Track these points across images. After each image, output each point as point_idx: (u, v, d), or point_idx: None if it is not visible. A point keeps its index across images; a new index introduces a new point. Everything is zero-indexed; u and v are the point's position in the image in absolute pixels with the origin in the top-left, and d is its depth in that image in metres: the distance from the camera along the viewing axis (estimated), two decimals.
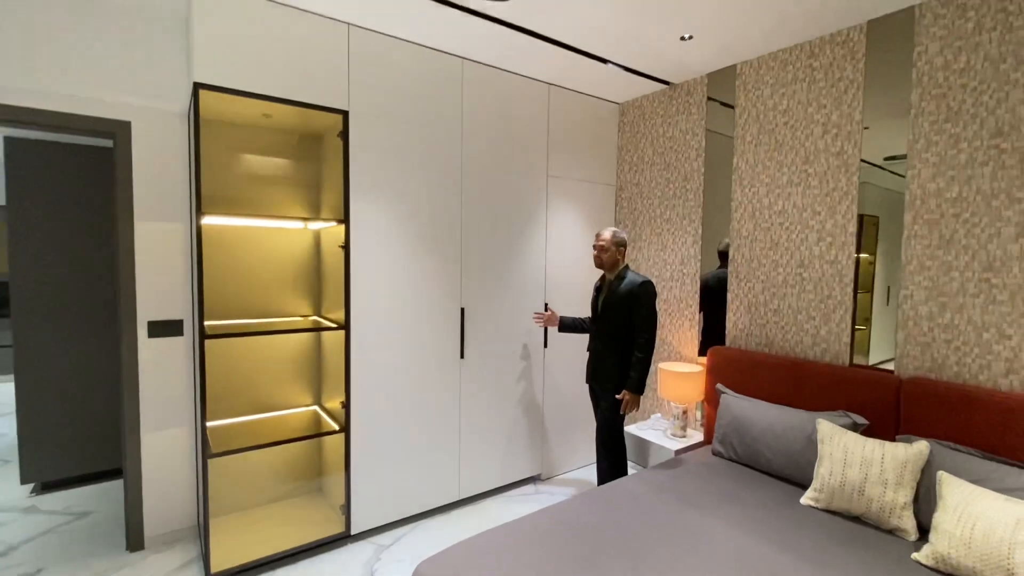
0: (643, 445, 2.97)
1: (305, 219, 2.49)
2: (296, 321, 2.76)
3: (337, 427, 2.55)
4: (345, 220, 2.47)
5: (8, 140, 2.88)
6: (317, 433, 2.51)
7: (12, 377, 4.56)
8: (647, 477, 2.34)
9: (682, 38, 2.54)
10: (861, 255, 2.39)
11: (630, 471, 2.97)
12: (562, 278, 3.35)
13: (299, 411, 2.89)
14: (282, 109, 2.37)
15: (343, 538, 2.58)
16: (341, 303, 2.54)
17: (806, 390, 2.44)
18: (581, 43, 2.63)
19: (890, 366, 2.31)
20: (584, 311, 3.42)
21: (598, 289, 2.84)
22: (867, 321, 2.40)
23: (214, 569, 2.22)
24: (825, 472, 2.07)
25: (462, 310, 2.89)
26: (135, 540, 2.47)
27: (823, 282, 2.51)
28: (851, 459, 2.01)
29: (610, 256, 2.69)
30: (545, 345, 3.29)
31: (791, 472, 2.27)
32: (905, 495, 1.89)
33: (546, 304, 3.26)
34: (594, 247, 2.75)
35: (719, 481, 2.30)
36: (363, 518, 2.60)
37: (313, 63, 2.35)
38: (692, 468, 2.44)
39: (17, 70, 2.16)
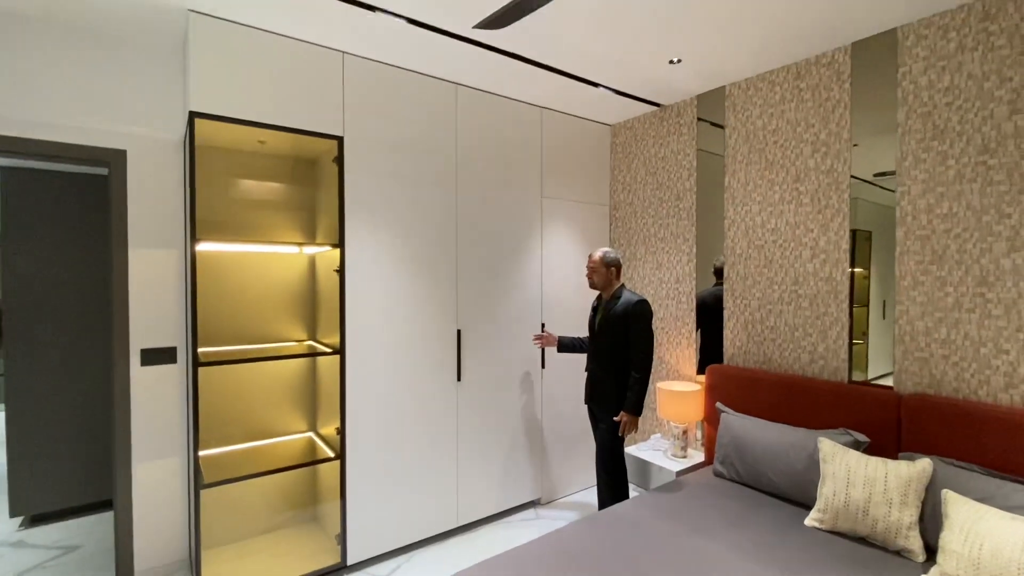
0: (644, 467, 2.93)
1: (300, 244, 2.49)
2: (291, 346, 2.74)
3: (332, 454, 2.51)
4: (340, 244, 2.47)
5: (4, 170, 2.89)
6: (312, 461, 2.47)
7: (2, 407, 4.50)
8: (648, 501, 2.30)
9: (670, 62, 2.59)
10: (856, 269, 2.40)
11: (631, 493, 2.92)
12: (559, 298, 3.35)
13: (294, 438, 2.85)
14: (277, 135, 2.39)
15: (339, 569, 2.51)
16: (336, 328, 2.52)
17: (806, 408, 2.42)
18: (572, 68, 2.68)
19: (889, 380, 2.30)
20: (581, 331, 3.40)
21: (595, 309, 2.83)
22: (864, 335, 2.40)
23: None
24: (828, 492, 2.04)
25: (458, 332, 2.88)
26: (125, 574, 2.41)
27: (818, 299, 2.51)
28: (854, 478, 1.98)
29: (601, 277, 2.69)
30: (543, 366, 3.27)
31: (794, 492, 2.24)
32: (910, 514, 1.86)
33: (543, 325, 3.25)
34: (587, 268, 2.76)
35: (722, 503, 2.26)
36: (360, 548, 2.54)
37: (308, 90, 2.38)
38: (694, 490, 2.40)
39: (14, 101, 2.18)
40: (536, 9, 1.57)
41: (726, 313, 2.92)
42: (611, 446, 2.67)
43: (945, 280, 2.11)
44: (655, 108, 3.30)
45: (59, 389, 3.03)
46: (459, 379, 2.88)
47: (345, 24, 2.22)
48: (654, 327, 3.30)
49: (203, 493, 2.59)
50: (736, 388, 2.71)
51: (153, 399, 2.46)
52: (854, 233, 2.40)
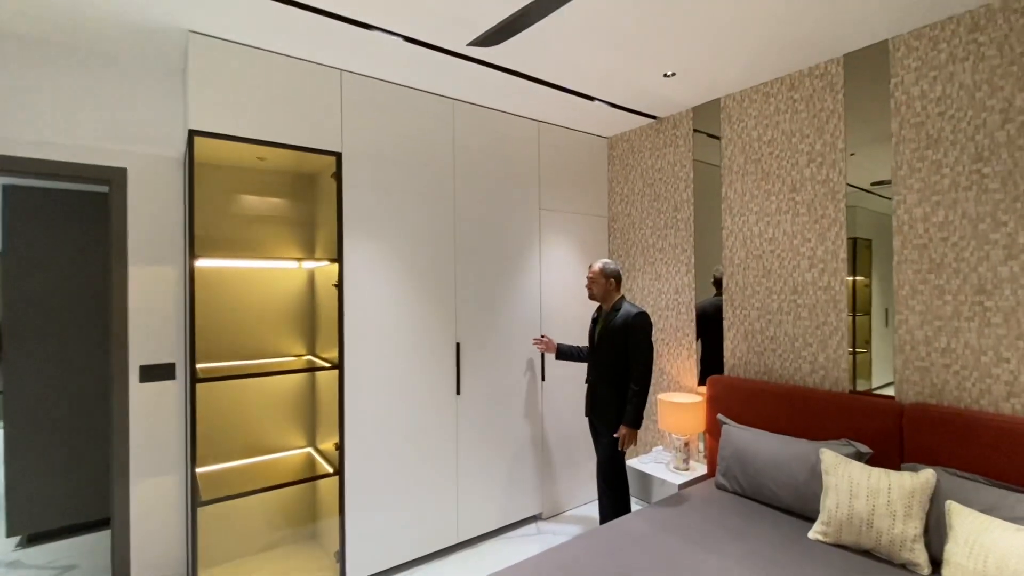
0: (646, 479, 2.90)
1: (299, 259, 2.50)
2: (290, 361, 2.74)
3: (331, 469, 2.50)
4: (339, 259, 2.48)
5: (6, 188, 2.92)
6: (310, 477, 2.45)
7: (1, 424, 4.53)
8: (650, 515, 2.27)
9: (665, 75, 2.62)
10: (857, 278, 2.39)
11: (633, 507, 2.89)
12: (558, 310, 3.35)
13: (293, 454, 2.83)
14: (276, 152, 2.42)
15: None
16: (335, 342, 2.52)
17: (807, 418, 2.40)
18: (567, 82, 2.71)
19: (892, 390, 2.28)
20: (581, 343, 3.40)
21: (595, 321, 2.82)
22: (867, 344, 2.38)
23: None
24: (832, 504, 2.01)
25: (457, 345, 2.87)
26: None
27: (817, 308, 2.51)
28: (857, 490, 1.96)
29: (600, 288, 2.70)
30: (543, 379, 3.25)
31: (797, 505, 2.21)
32: (915, 527, 1.83)
33: (542, 336, 3.24)
34: (586, 279, 2.76)
35: (724, 517, 2.23)
36: (359, 565, 2.51)
37: (306, 108, 2.41)
38: (696, 504, 2.37)
39: (16, 120, 2.20)
40: (528, 27, 1.59)
41: (726, 323, 2.91)
42: (612, 459, 2.65)
43: (943, 289, 2.10)
44: (652, 120, 3.32)
45: (58, 406, 3.03)
46: (458, 392, 2.87)
47: (343, 42, 2.26)
48: (653, 339, 3.29)
49: (202, 510, 2.57)
50: (737, 399, 2.69)
51: (152, 415, 2.45)
52: (855, 241, 2.40)
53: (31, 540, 3.03)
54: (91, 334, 3.12)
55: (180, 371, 2.52)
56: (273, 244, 2.81)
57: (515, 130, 3.16)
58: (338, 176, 2.49)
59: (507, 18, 1.55)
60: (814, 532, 2.05)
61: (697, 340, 3.08)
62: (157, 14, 2.03)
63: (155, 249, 2.48)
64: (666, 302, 3.26)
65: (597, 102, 2.97)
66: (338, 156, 2.49)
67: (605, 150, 3.67)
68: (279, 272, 2.84)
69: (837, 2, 1.99)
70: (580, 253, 3.49)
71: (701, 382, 3.06)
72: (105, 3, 1.96)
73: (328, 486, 2.66)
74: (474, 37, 1.95)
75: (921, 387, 2.17)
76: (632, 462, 3.04)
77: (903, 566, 1.83)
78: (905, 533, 1.83)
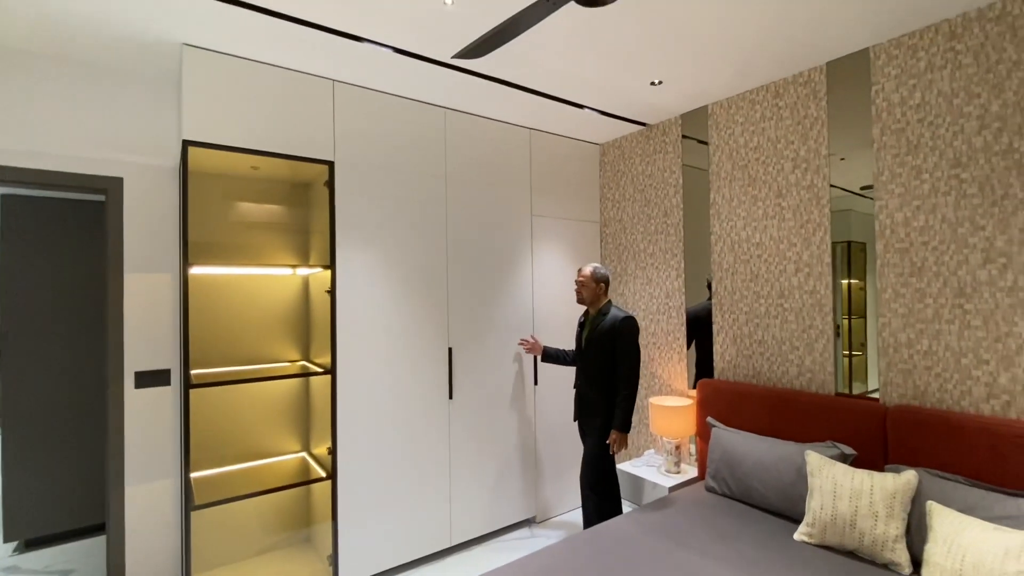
0: (637, 483, 2.93)
1: (294, 266, 2.54)
2: (284, 367, 2.77)
3: (324, 474, 2.53)
4: (331, 266, 2.52)
5: (4, 197, 2.97)
6: (302, 481, 2.48)
7: None
8: (639, 517, 2.30)
9: (652, 83, 2.66)
10: (852, 281, 2.41)
11: (625, 509, 2.91)
12: (550, 315, 3.38)
13: (287, 458, 2.86)
14: (270, 161, 2.46)
15: None
16: (328, 348, 2.56)
17: (794, 421, 2.43)
18: (557, 91, 2.76)
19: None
20: (571, 346, 3.43)
21: (581, 325, 2.84)
22: (863, 346, 2.39)
23: None
24: (816, 506, 2.04)
25: (449, 350, 2.91)
26: None
27: (804, 312, 2.54)
28: (840, 491, 1.99)
29: (590, 292, 2.72)
30: (536, 383, 3.28)
31: (784, 506, 2.24)
32: (896, 527, 1.86)
33: (531, 336, 3.28)
34: (575, 283, 2.78)
35: (711, 519, 2.26)
36: (351, 569, 2.54)
37: (299, 117, 2.45)
38: (685, 506, 2.40)
39: (14, 132, 2.25)
40: (512, 39, 1.64)
41: (715, 327, 2.94)
42: (596, 464, 2.66)
43: (924, 292, 2.14)
44: (641, 127, 3.37)
45: (55, 413, 3.06)
46: (451, 397, 2.91)
47: (334, 54, 2.30)
48: (644, 343, 3.32)
49: (197, 515, 2.60)
50: (726, 402, 2.72)
51: (147, 421, 2.49)
52: (848, 245, 2.41)
53: (28, 545, 3.06)
54: (87, 341, 3.15)
55: (175, 377, 2.55)
56: (268, 251, 2.85)
57: (506, 137, 3.20)
58: (330, 184, 2.53)
59: (491, 31, 1.59)
60: (799, 533, 2.07)
61: (691, 344, 3.10)
62: (152, 28, 2.08)
63: (150, 257, 2.52)
64: (657, 306, 3.29)
65: (587, 110, 3.01)
66: (330, 165, 2.53)
67: (597, 156, 3.72)
68: (274, 279, 2.88)
69: (819, 11, 2.03)
70: (572, 258, 3.53)
71: (695, 386, 3.08)
72: (100, 18, 2.01)
73: (321, 491, 2.69)
74: (458, 49, 1.99)
75: (904, 389, 2.20)
76: (624, 465, 3.07)
77: (885, 566, 1.86)
78: (887, 533, 1.86)
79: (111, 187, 2.44)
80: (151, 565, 2.49)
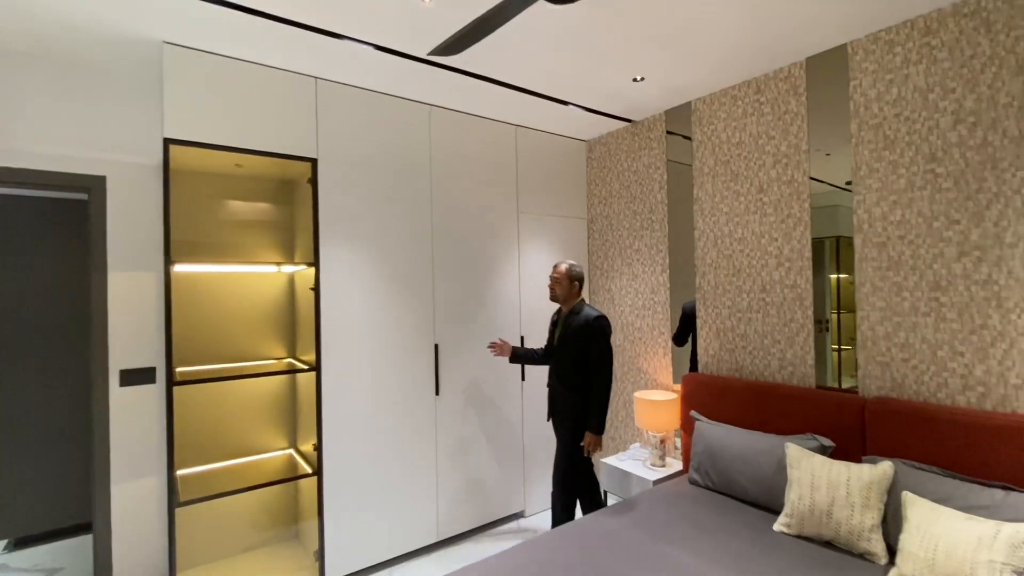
0: (622, 476, 2.95)
1: (279, 263, 2.55)
2: (270, 364, 2.78)
3: (310, 470, 2.54)
4: (315, 263, 2.53)
5: None
6: (286, 478, 2.49)
7: None
8: (622, 510, 2.32)
9: (634, 79, 2.67)
10: (841, 275, 2.41)
11: (610, 503, 2.93)
12: (537, 311, 3.39)
13: (275, 455, 2.87)
14: (253, 159, 2.46)
15: None
16: (314, 345, 2.57)
17: (776, 414, 2.45)
18: (541, 87, 2.76)
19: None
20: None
21: (554, 323, 2.79)
22: (852, 341, 2.39)
23: None
24: (795, 497, 2.06)
25: (436, 347, 2.92)
26: None
27: (785, 306, 2.56)
28: (818, 483, 2.01)
29: (564, 289, 2.66)
30: (523, 378, 3.30)
31: (764, 498, 2.26)
32: (872, 517, 1.88)
33: (522, 338, 3.29)
34: (550, 278, 2.72)
35: (694, 511, 2.28)
36: (338, 564, 2.56)
37: (281, 115, 2.46)
38: (668, 498, 2.42)
39: None
40: (487, 35, 1.64)
41: (699, 321, 2.96)
42: (572, 466, 2.61)
43: (901, 285, 2.16)
44: (627, 124, 3.38)
45: (43, 412, 3.06)
46: (437, 393, 2.92)
47: (315, 51, 2.31)
48: (631, 337, 3.35)
49: (185, 512, 2.61)
50: (710, 396, 2.74)
51: (133, 419, 2.49)
52: (837, 240, 2.41)
53: (18, 544, 3.06)
54: (73, 340, 3.15)
55: (160, 375, 2.56)
56: (253, 249, 2.86)
57: (492, 134, 3.21)
58: (314, 182, 2.54)
59: (464, 27, 1.60)
60: (778, 524, 2.10)
61: (688, 339, 3.07)
62: (132, 26, 2.08)
63: (134, 255, 2.52)
64: (643, 301, 3.31)
65: (571, 106, 3.02)
66: (313, 162, 2.53)
67: (583, 153, 3.73)
68: (260, 277, 2.89)
69: (798, 6, 2.04)
70: (560, 255, 3.54)
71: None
72: (80, 16, 2.00)
73: (309, 487, 2.70)
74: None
75: (882, 381, 2.22)
76: (609, 459, 3.09)
77: (861, 556, 1.88)
78: (863, 523, 1.88)
79: (94, 186, 2.44)
80: (138, 562, 2.50)
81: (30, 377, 3.03)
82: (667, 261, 3.15)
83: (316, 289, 2.53)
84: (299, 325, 2.90)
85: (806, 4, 2.03)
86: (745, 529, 2.11)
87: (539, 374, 3.37)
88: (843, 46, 2.34)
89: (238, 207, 2.82)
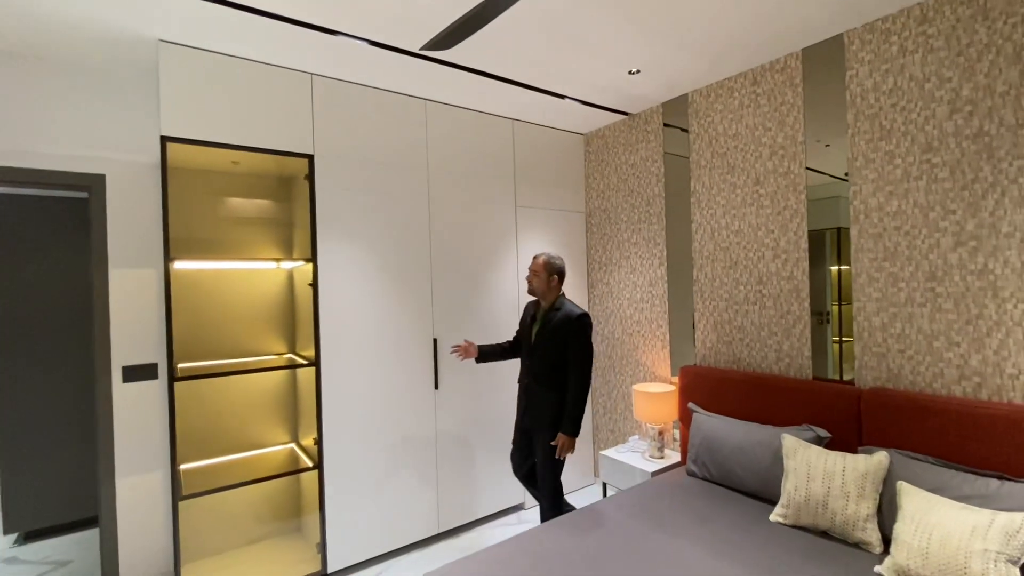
0: (621, 468, 2.97)
1: (277, 259, 2.57)
2: (270, 360, 2.81)
3: (311, 464, 2.57)
4: (313, 259, 2.54)
5: None
6: (287, 472, 2.52)
7: None
8: (620, 501, 2.34)
9: (630, 72, 2.67)
10: (842, 267, 2.39)
11: (609, 494, 2.95)
12: None
13: (276, 449, 2.91)
14: (251, 155, 2.48)
15: None
16: (313, 340, 2.59)
17: (772, 405, 2.46)
18: (536, 81, 2.76)
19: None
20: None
21: (533, 317, 2.61)
22: (854, 332, 2.35)
23: None
24: (791, 487, 2.08)
25: (434, 341, 2.94)
26: None
27: (781, 298, 2.56)
28: (814, 473, 2.02)
29: (542, 283, 2.50)
30: None
31: (761, 489, 2.27)
32: (867, 507, 1.90)
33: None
34: (528, 270, 2.56)
35: (691, 502, 2.30)
36: (340, 556, 2.59)
37: (277, 112, 2.47)
38: (665, 490, 2.44)
39: None
40: (479, 29, 1.65)
41: (696, 314, 2.97)
42: (550, 466, 2.48)
43: (897, 276, 2.16)
44: (624, 117, 3.37)
45: (49, 407, 3.11)
46: (436, 387, 2.94)
47: (310, 48, 2.31)
48: (630, 330, 3.35)
49: (190, 505, 2.65)
50: (707, 388, 2.75)
51: (136, 415, 2.53)
52: (838, 231, 2.40)
53: (28, 537, 3.12)
54: (76, 337, 3.19)
55: (162, 371, 2.59)
56: (252, 245, 2.88)
57: (489, 128, 3.21)
58: (310, 178, 2.55)
59: (457, 20, 1.60)
60: (775, 515, 2.11)
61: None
62: (128, 25, 2.09)
63: (135, 252, 2.55)
64: (641, 294, 3.32)
65: (568, 100, 3.02)
66: (310, 158, 2.55)
67: (582, 146, 3.72)
68: (259, 273, 2.91)
69: None
70: (558, 248, 3.55)
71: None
72: (76, 16, 2.02)
73: (310, 480, 2.73)
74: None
75: (879, 372, 2.23)
76: (608, 451, 3.11)
77: (856, 545, 1.90)
78: (858, 513, 1.90)
79: (94, 184, 2.47)
80: (144, 554, 2.55)
81: (35, 374, 3.08)
82: (665, 254, 3.15)
83: (314, 285, 2.55)
84: (298, 321, 2.93)
85: None
86: (742, 519, 2.12)
87: None
88: (840, 36, 2.32)
89: (236, 204, 2.84)
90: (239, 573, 2.55)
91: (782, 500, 2.10)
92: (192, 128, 2.25)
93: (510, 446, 3.24)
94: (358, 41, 2.26)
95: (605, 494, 3.14)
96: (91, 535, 3.14)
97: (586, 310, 2.51)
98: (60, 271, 3.16)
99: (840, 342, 2.43)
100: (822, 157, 2.42)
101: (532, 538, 2.02)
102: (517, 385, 2.71)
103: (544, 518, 2.57)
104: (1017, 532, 1.52)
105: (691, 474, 2.59)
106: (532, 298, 2.78)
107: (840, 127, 2.34)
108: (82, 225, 3.22)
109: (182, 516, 2.66)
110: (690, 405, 2.75)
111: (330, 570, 2.56)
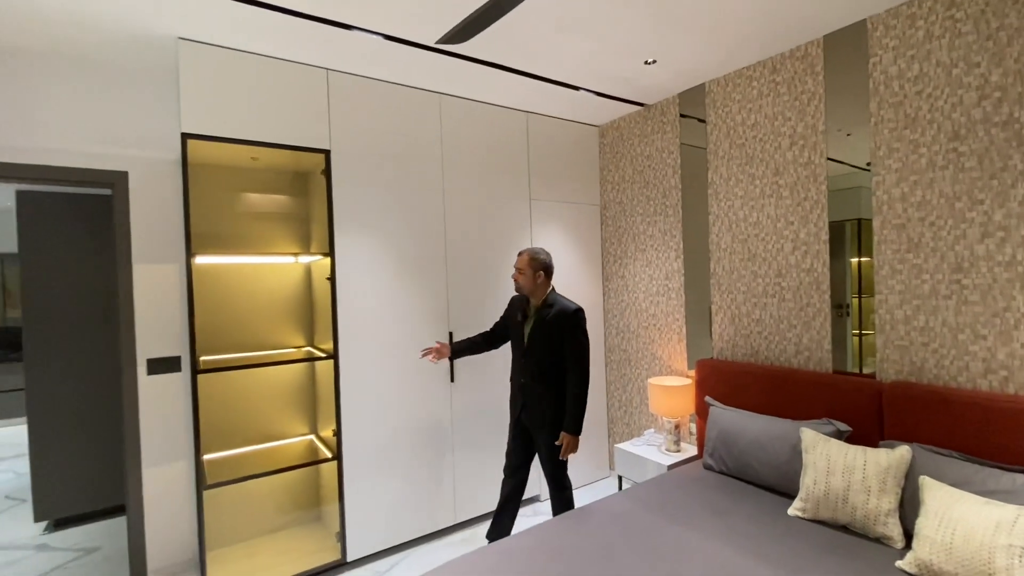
0: (637, 461, 2.97)
1: (295, 254, 2.60)
2: (289, 352, 2.85)
3: (330, 455, 2.61)
4: (330, 253, 2.57)
5: (19, 193, 3.07)
6: (308, 462, 2.57)
7: (25, 418, 4.73)
8: (635, 493, 2.34)
9: (646, 62, 2.63)
10: (863, 259, 2.35)
11: (624, 487, 2.95)
12: None
13: (296, 441, 2.96)
14: (268, 151, 2.50)
15: (339, 566, 2.61)
16: (331, 333, 2.62)
17: (792, 399, 2.44)
18: (550, 73, 2.74)
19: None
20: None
21: (524, 315, 2.52)
22: (874, 325, 2.32)
23: None
24: (810, 482, 2.06)
25: (450, 334, 2.96)
26: (138, 574, 2.54)
27: (801, 291, 2.53)
28: (834, 467, 2.00)
29: (528, 282, 2.41)
30: None
31: (779, 483, 2.26)
32: (889, 501, 1.87)
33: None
34: (514, 268, 2.48)
35: (708, 495, 2.29)
36: (359, 545, 2.64)
37: (294, 107, 2.49)
38: (681, 483, 2.43)
39: (22, 130, 2.33)
40: (494, 22, 1.64)
41: (713, 307, 2.94)
42: (555, 463, 2.44)
43: (921, 268, 2.11)
44: (640, 108, 3.34)
45: (77, 399, 3.19)
46: (452, 380, 2.96)
47: (326, 43, 2.32)
48: (645, 323, 3.34)
49: (213, 495, 2.71)
50: (724, 381, 2.73)
51: (160, 406, 2.59)
52: (859, 222, 2.35)
53: (57, 525, 3.22)
54: (103, 330, 3.27)
55: (185, 363, 2.65)
56: (270, 240, 2.92)
57: (503, 121, 3.20)
58: (327, 173, 2.57)
59: (472, 13, 1.60)
60: (793, 509, 2.10)
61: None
62: (147, 23, 2.12)
63: (158, 248, 2.60)
64: (657, 288, 3.30)
65: (582, 91, 2.99)
66: (327, 153, 2.57)
67: (596, 138, 3.69)
68: (278, 267, 2.95)
69: None
70: (573, 241, 3.54)
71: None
72: (97, 16, 2.05)
73: (330, 471, 2.78)
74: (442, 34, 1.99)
75: (901, 365, 2.19)
76: (624, 444, 3.11)
77: (878, 540, 1.88)
78: (879, 508, 1.87)
79: (117, 181, 2.51)
80: (170, 542, 2.62)
81: (63, 367, 3.16)
82: (681, 247, 3.13)
83: (332, 279, 2.57)
84: (316, 314, 2.96)
85: None
86: (760, 513, 2.11)
87: None
88: (862, 22, 2.27)
89: (255, 199, 2.87)
90: (262, 561, 2.61)
91: (800, 494, 2.09)
92: (212, 125, 2.28)
93: None
94: (374, 36, 2.27)
95: (621, 487, 3.14)
96: (119, 523, 3.24)
97: (579, 304, 2.42)
98: (87, 266, 3.23)
99: (860, 335, 2.39)
100: (843, 146, 2.37)
101: (548, 530, 2.04)
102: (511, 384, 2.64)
103: (556, 512, 2.55)
104: None
105: (708, 468, 2.58)
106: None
107: (862, 115, 2.29)
108: (107, 222, 3.29)
109: (206, 505, 2.72)
110: (707, 399, 2.73)
111: (349, 559, 2.61)
